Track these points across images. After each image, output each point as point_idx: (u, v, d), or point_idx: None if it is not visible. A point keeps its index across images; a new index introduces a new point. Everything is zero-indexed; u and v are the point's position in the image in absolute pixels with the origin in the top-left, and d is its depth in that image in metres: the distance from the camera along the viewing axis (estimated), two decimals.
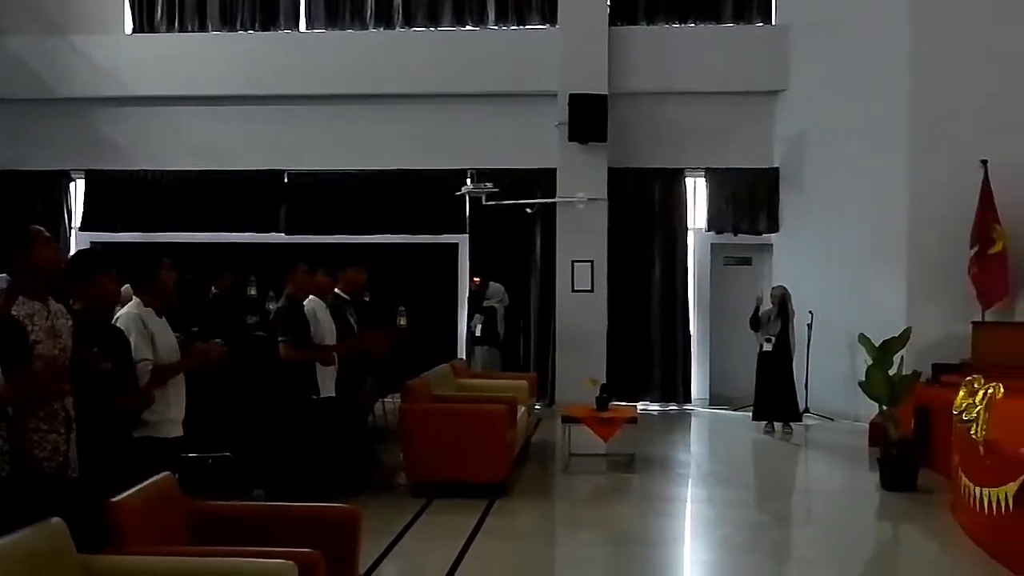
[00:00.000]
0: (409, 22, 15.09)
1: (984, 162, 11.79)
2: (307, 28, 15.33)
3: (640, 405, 13.31)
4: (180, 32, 15.33)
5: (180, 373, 5.75)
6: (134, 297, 5.73)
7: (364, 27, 15.11)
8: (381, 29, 15.10)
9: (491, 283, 13.93)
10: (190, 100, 14.97)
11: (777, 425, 12.40)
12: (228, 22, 15.32)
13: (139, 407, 5.33)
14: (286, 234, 14.97)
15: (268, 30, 15.26)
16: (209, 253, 13.91)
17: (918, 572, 7.29)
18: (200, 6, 15.30)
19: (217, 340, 6.11)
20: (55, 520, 3.73)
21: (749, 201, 14.53)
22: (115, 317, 5.57)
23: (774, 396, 12.37)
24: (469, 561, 6.86)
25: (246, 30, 15.28)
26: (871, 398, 10.02)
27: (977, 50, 12.10)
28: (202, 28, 15.34)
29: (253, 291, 10.37)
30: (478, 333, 13.68)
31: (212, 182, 14.95)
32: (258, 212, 14.96)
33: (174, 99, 14.97)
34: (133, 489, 4.33)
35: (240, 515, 4.81)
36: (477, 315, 13.82)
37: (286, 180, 15.11)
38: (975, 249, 11.89)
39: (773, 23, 14.67)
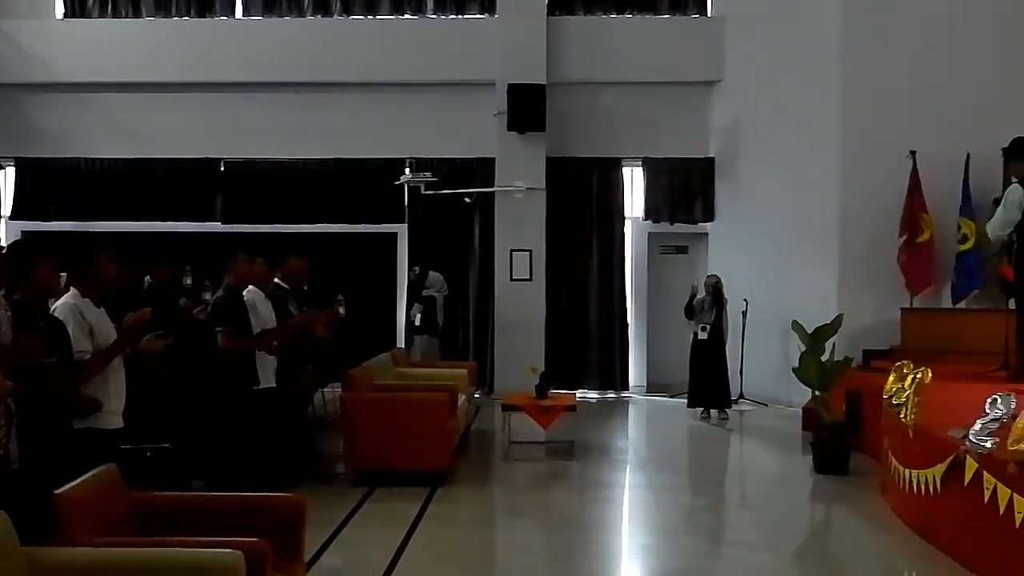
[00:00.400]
0: (348, 10, 15.04)
1: (912, 153, 12.07)
2: (244, 15, 15.17)
3: (578, 393, 13.43)
4: (113, 18, 15.09)
5: (120, 354, 5.70)
6: (71, 288, 5.67)
7: (302, 14, 15.04)
8: (319, 17, 15.02)
9: (430, 272, 13.95)
10: (124, 87, 14.78)
11: (713, 411, 12.61)
12: (163, 8, 15.13)
13: (77, 382, 5.27)
14: (222, 223, 14.85)
15: (204, 16, 15.10)
16: (143, 243, 13.80)
17: (851, 553, 7.46)
18: None
19: (158, 332, 6.07)
20: None
21: (685, 190, 14.72)
22: (52, 308, 5.52)
23: (708, 383, 12.59)
24: (412, 548, 6.91)
25: (181, 16, 15.10)
26: (804, 384, 10.26)
27: (907, 43, 12.38)
28: (136, 14, 15.14)
29: (189, 281, 10.27)
30: (417, 322, 13.69)
31: (147, 170, 14.76)
32: (194, 201, 14.81)
33: (107, 86, 14.75)
34: (76, 481, 4.31)
35: (184, 506, 4.81)
36: (417, 304, 13.83)
37: (222, 169, 14.98)
38: (904, 237, 12.18)
39: (709, 14, 14.85)
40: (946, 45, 12.29)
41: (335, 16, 15.03)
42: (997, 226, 7.51)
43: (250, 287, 8.34)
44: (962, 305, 12.08)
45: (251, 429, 7.88)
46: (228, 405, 7.81)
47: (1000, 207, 7.46)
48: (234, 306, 8.03)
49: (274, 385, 8.31)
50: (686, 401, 12.84)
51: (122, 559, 3.87)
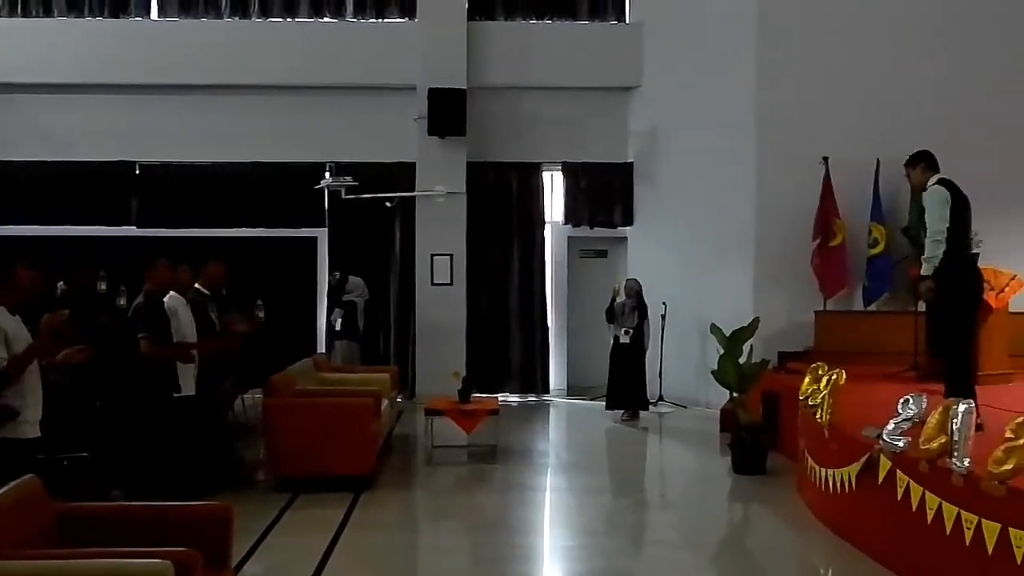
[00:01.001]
0: (266, 12, 14.88)
1: (825, 159, 12.35)
2: (159, 16, 14.93)
3: (499, 396, 13.45)
4: (24, 17, 14.72)
5: (37, 356, 5.60)
6: None
7: (219, 16, 14.83)
8: (236, 19, 14.84)
9: (351, 277, 13.88)
10: (36, 88, 14.47)
11: (625, 412, 12.79)
12: (75, 8, 14.80)
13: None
14: (137, 227, 14.60)
15: (118, 17, 14.80)
16: (57, 246, 13.55)
17: (769, 550, 7.62)
18: None
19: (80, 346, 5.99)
20: None
21: (604, 195, 14.86)
22: None
23: (626, 386, 12.77)
24: (338, 554, 6.89)
25: (95, 16, 14.79)
26: (723, 386, 10.45)
27: (820, 51, 12.66)
28: (47, 13, 14.78)
29: (104, 286, 10.10)
30: (338, 327, 13.59)
31: (59, 173, 14.41)
32: (108, 205, 14.51)
33: (18, 87, 14.42)
34: None
35: (109, 516, 4.74)
36: (337, 309, 13.75)
37: (137, 172, 14.72)
38: (817, 241, 12.45)
39: (627, 21, 15.00)
40: (858, 54, 12.61)
41: (253, 18, 14.87)
42: (936, 232, 7.42)
43: (171, 293, 8.25)
44: (873, 307, 12.40)
45: (171, 437, 7.79)
46: (148, 413, 7.71)
47: (927, 215, 7.46)
48: (155, 313, 7.93)
49: (195, 392, 8.23)
50: (605, 403, 13.03)
51: (48, 572, 3.81)
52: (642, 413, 12.84)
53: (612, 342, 13.06)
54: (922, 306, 10.66)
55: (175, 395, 7.97)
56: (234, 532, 4.84)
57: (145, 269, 8.19)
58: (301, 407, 8.95)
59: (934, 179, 7.48)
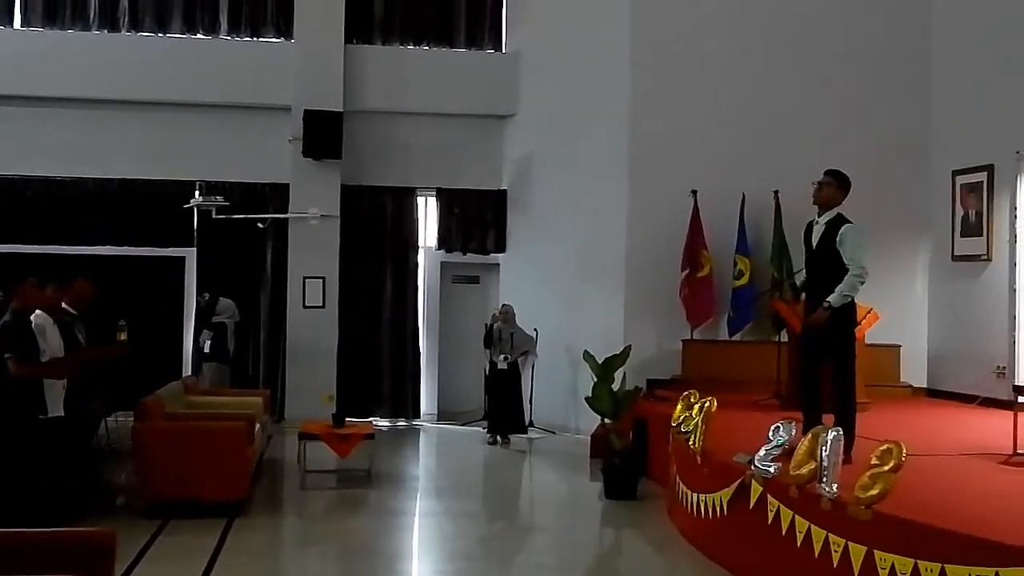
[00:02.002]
0: (136, 26, 14.52)
1: (694, 192, 12.73)
2: (22, 25, 14.42)
3: (371, 420, 13.39)
4: None
5: None
6: None
7: (87, 28, 14.40)
8: (105, 32, 14.44)
9: (221, 299, 13.62)
10: None
11: (509, 437, 12.99)
12: None
13: None
14: None
15: None
16: None
17: (642, 573, 7.80)
18: None
19: None
20: None
21: (478, 221, 14.98)
22: None
23: (507, 411, 12.97)
24: None
25: None
26: (596, 412, 10.63)
27: (691, 86, 13.08)
28: None
29: None
30: (207, 349, 13.29)
31: None
32: None
33: None
34: None
35: None
36: (206, 331, 13.46)
37: None
38: (686, 272, 12.79)
39: (504, 50, 15.19)
40: (727, 90, 13.06)
41: (123, 32, 14.50)
42: (863, 272, 7.50)
43: (38, 311, 7.99)
44: (737, 337, 12.82)
45: (37, 459, 7.54)
46: (14, 434, 7.43)
47: (852, 254, 7.31)
48: (22, 331, 7.67)
49: (62, 413, 7.97)
50: (478, 428, 13.19)
51: None
52: (513, 438, 13.03)
53: (489, 368, 13.19)
54: (784, 336, 11.25)
55: (41, 416, 7.70)
56: (115, 559, 4.72)
57: (11, 287, 7.92)
58: (173, 431, 8.76)
59: (837, 211, 7.57)
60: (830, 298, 7.34)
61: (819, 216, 7.67)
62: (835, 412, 7.41)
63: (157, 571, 7.05)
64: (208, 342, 13.25)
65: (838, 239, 7.42)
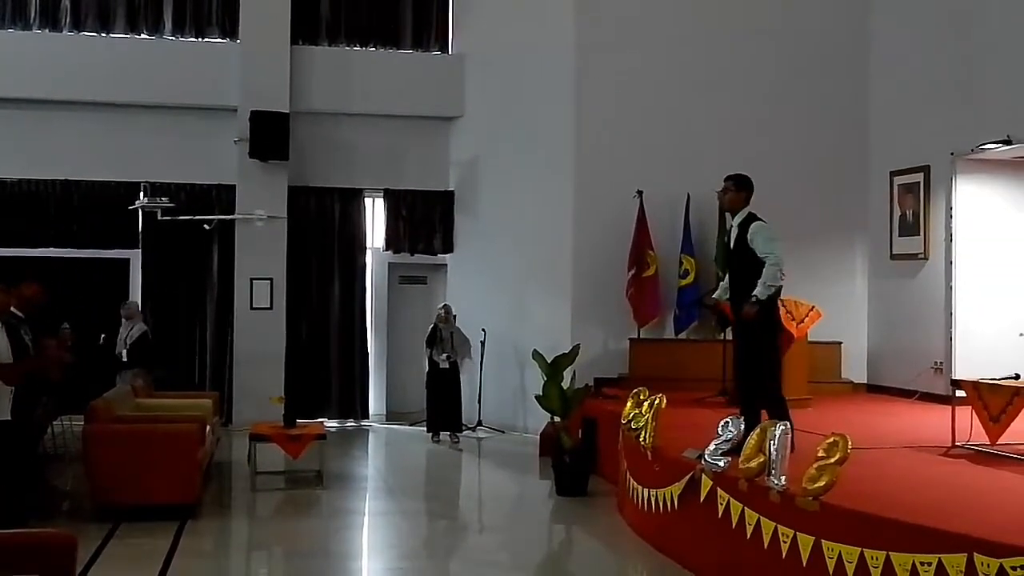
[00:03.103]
0: (78, 25, 14.34)
1: (640, 192, 12.89)
2: None
3: (321, 421, 13.37)
4: None
5: None
6: None
7: (27, 27, 14.19)
8: (47, 31, 14.24)
9: (126, 303, 13.10)
10: None
11: (444, 435, 13.12)
12: None
13: None
14: None
15: None
16: None
17: (593, 567, 7.91)
18: None
19: None
20: None
21: (425, 222, 15.02)
22: None
23: (446, 409, 13.10)
24: None
25: None
26: (546, 410, 10.75)
27: (636, 88, 13.25)
28: None
29: None
30: (124, 358, 12.39)
31: None
32: None
33: None
34: None
35: None
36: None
37: None
38: (632, 272, 12.95)
39: (450, 52, 15.25)
40: (671, 92, 13.27)
41: (64, 31, 14.32)
42: (780, 261, 7.69)
43: None
44: (683, 336, 13.01)
45: None
46: None
47: (765, 248, 7.52)
48: None
49: (9, 418, 7.89)
50: (424, 428, 13.24)
51: None
52: (462, 437, 13.20)
53: (430, 368, 13.25)
54: (729, 335, 11.43)
55: None
56: (76, 562, 4.72)
57: None
58: (124, 434, 8.70)
59: (747, 211, 7.82)
60: (755, 292, 7.55)
61: (732, 219, 7.97)
62: (766, 405, 7.62)
63: (112, 574, 7.03)
64: (124, 351, 12.45)
65: (749, 237, 7.68)
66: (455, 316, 13.67)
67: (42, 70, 13.79)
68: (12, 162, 13.88)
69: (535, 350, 11.27)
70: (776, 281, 7.62)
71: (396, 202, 14.99)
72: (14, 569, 4.07)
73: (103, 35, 14.43)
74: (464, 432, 13.44)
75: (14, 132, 13.97)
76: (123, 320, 12.51)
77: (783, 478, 6.02)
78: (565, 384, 10.65)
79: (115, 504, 8.37)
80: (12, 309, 8.51)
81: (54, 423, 11.06)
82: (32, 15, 14.25)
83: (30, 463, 8.61)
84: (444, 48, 15.31)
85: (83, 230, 14.06)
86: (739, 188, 7.91)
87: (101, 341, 12.70)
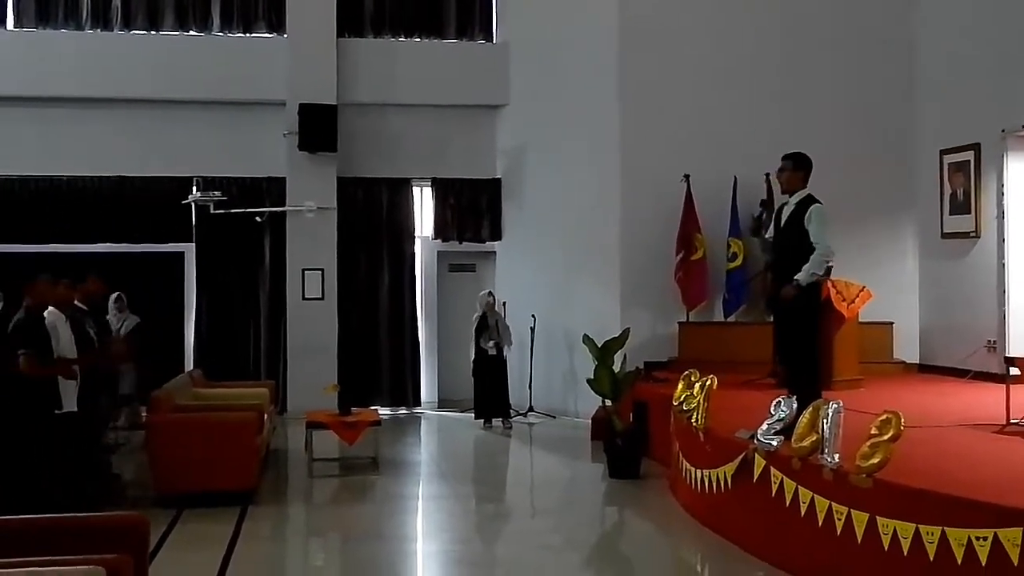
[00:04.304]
0: (128, 24, 14.61)
1: (687, 176, 12.90)
2: (15, 26, 14.50)
3: (374, 409, 13.53)
4: None
5: None
6: None
7: (80, 27, 14.49)
8: (98, 30, 14.52)
9: (115, 297, 12.55)
10: None
11: (496, 421, 13.21)
12: None
13: None
14: None
15: None
16: None
17: (649, 548, 8.02)
18: None
19: None
20: None
21: (473, 210, 15.16)
22: None
23: (495, 395, 13.23)
24: (236, 565, 6.94)
25: None
26: (598, 394, 10.83)
27: (681, 72, 13.21)
28: None
29: None
30: None
31: None
32: None
33: None
34: None
35: (20, 529, 4.71)
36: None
37: None
38: (680, 256, 12.98)
39: (494, 40, 15.34)
40: (717, 75, 13.21)
41: (115, 30, 14.60)
42: (829, 251, 7.63)
43: (50, 309, 8.15)
44: (732, 318, 13.01)
45: (52, 454, 7.70)
46: (29, 429, 7.59)
47: (817, 233, 7.42)
48: (35, 328, 7.83)
49: (76, 409, 8.14)
50: (474, 414, 13.38)
51: None
52: (514, 423, 13.35)
53: (478, 355, 13.35)
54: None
55: (56, 411, 7.87)
56: (148, 542, 4.89)
57: (24, 285, 8.08)
58: (185, 423, 8.91)
59: (806, 192, 7.66)
60: (798, 276, 7.40)
61: (790, 198, 7.78)
62: (799, 385, 7.44)
63: (179, 556, 7.23)
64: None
65: (806, 217, 7.51)
66: (504, 304, 13.77)
67: (95, 69, 14.06)
68: (68, 159, 14.18)
69: (585, 335, 11.33)
70: (821, 270, 7.48)
71: (444, 191, 15.12)
72: (93, 549, 4.23)
73: (153, 33, 14.68)
74: (515, 418, 13.52)
75: (70, 130, 14.26)
76: (115, 312, 12.53)
77: (836, 456, 6.06)
78: (615, 368, 10.71)
79: (177, 491, 8.56)
80: (76, 303, 8.78)
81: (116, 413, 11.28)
82: (84, 15, 14.52)
83: (96, 452, 8.86)
84: (488, 37, 15.40)
85: (138, 225, 14.33)
86: (797, 167, 7.72)
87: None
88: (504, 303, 13.91)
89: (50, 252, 13.67)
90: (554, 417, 13.87)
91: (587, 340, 11.16)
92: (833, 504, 5.96)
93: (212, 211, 13.91)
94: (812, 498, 6.16)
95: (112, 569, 3.95)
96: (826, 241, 7.48)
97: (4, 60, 13.91)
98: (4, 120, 14.12)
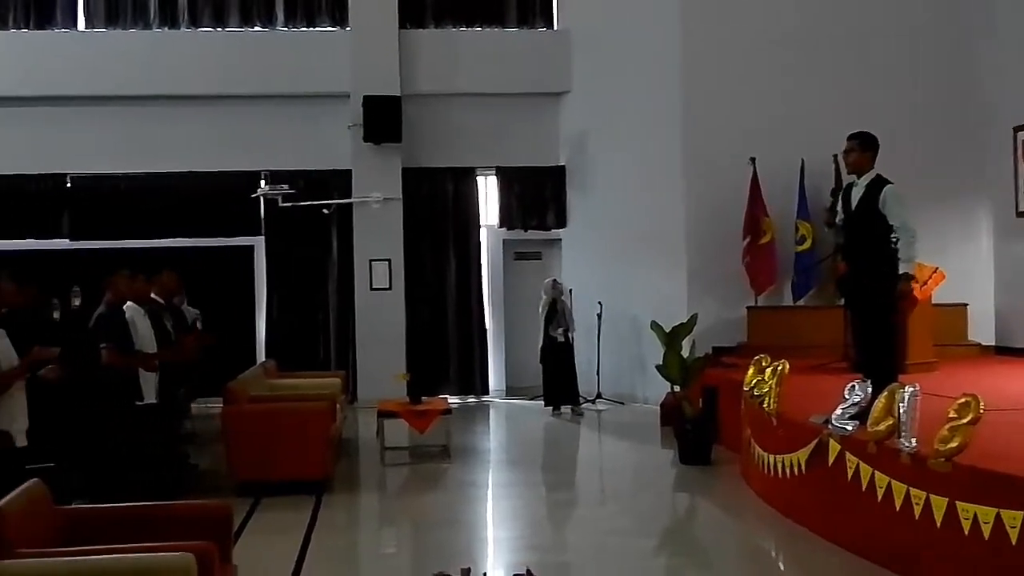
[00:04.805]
0: (195, 22, 14.85)
1: (752, 159, 12.78)
2: (86, 27, 14.81)
3: (444, 397, 13.62)
4: None
5: (19, 378, 5.71)
6: None
7: (148, 27, 14.75)
8: (166, 29, 14.79)
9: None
10: None
11: (565, 408, 13.22)
12: None
13: None
14: (70, 240, 14.45)
15: (44, 28, 14.65)
16: None
17: (723, 533, 8.01)
18: None
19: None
20: None
21: (538, 198, 15.18)
22: None
23: (564, 382, 13.23)
24: (314, 552, 7.07)
25: (20, 28, 14.61)
26: (667, 380, 10.81)
27: (744, 53, 13.08)
28: None
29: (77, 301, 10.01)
30: None
31: None
32: (39, 218, 14.36)
33: None
34: (9, 497, 4.35)
35: (111, 517, 4.86)
36: None
37: (69, 184, 14.56)
38: (747, 240, 12.88)
39: (555, 28, 15.33)
40: (781, 56, 13.02)
41: (182, 28, 14.85)
42: (914, 233, 7.33)
43: (129, 303, 8.34)
44: (802, 302, 12.88)
45: (134, 444, 7.89)
46: (112, 421, 7.79)
47: (900, 216, 7.30)
48: (116, 322, 8.03)
49: (156, 401, 8.33)
50: (543, 401, 13.40)
51: (75, 569, 3.95)
52: (583, 409, 13.36)
53: (547, 342, 13.38)
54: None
55: (138, 403, 8.07)
56: (232, 529, 5.01)
57: (102, 281, 8.28)
58: (260, 413, 9.06)
59: (875, 173, 7.49)
60: (904, 268, 7.28)
61: (858, 179, 7.59)
62: (877, 368, 7.27)
63: (259, 541, 7.37)
64: None
65: (880, 200, 7.35)
66: (570, 291, 13.79)
67: (163, 67, 14.32)
68: (139, 156, 14.44)
69: (653, 321, 11.32)
70: (914, 253, 7.36)
71: (508, 179, 15.16)
72: (180, 536, 4.35)
73: (219, 30, 14.91)
74: (583, 404, 13.54)
75: (142, 128, 14.53)
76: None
77: (913, 440, 6.00)
78: (684, 353, 10.69)
79: (253, 480, 8.69)
80: (153, 296, 8.98)
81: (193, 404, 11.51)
82: (152, 15, 14.79)
83: (176, 443, 9.06)
84: (549, 24, 15.39)
85: (208, 219, 14.58)
86: (864, 148, 7.54)
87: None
88: (570, 290, 13.91)
89: (125, 248, 13.94)
90: (622, 404, 13.86)
91: (655, 326, 11.15)
92: (911, 489, 5.89)
93: (280, 204, 14.07)
94: (889, 483, 6.10)
95: (200, 555, 4.05)
96: (909, 222, 7.33)
97: (78, 60, 14.21)
98: (77, 119, 14.43)
